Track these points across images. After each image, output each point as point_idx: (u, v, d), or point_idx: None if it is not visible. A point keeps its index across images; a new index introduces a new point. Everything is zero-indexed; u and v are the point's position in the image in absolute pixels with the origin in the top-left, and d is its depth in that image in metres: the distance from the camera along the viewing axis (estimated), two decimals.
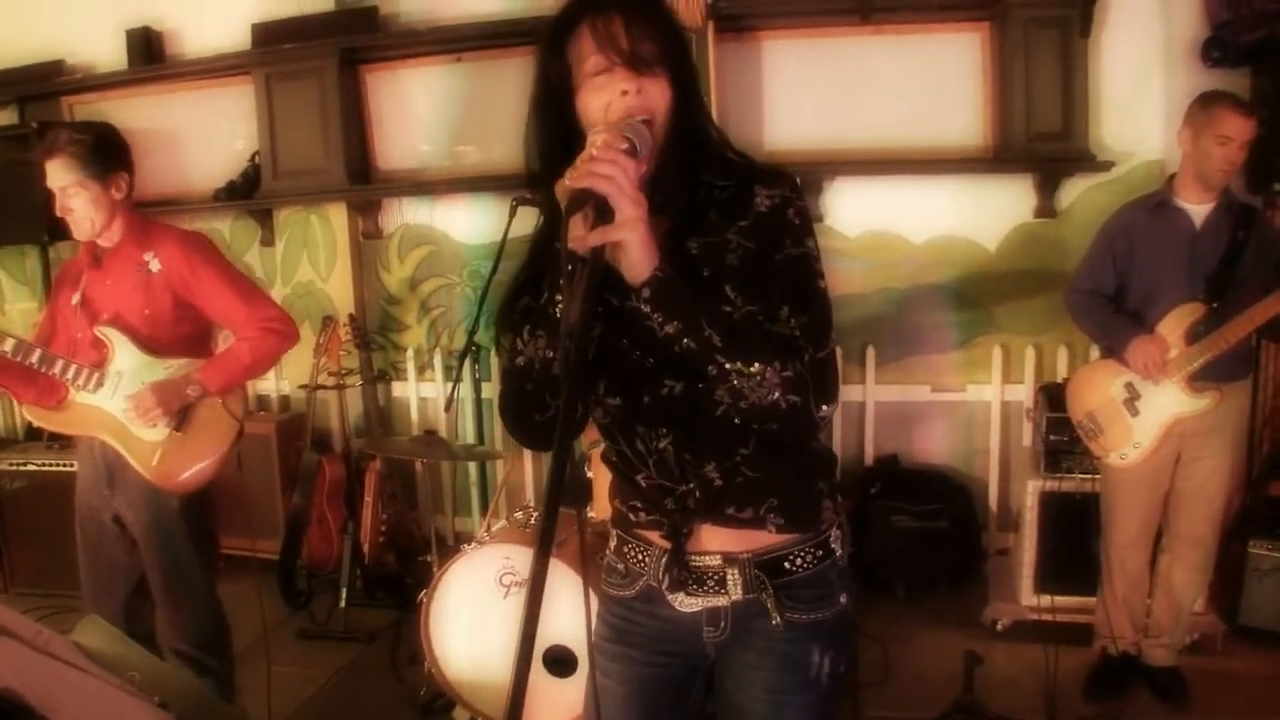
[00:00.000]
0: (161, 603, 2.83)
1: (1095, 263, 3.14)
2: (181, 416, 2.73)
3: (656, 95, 1.33)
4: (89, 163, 2.64)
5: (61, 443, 4.33)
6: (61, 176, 2.63)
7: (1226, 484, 3.11)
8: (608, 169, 1.18)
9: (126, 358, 2.70)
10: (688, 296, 1.26)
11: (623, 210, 1.19)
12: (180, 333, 2.77)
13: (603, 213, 1.19)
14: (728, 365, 1.26)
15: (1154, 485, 3.08)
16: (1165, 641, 3.17)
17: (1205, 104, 2.95)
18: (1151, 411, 3.01)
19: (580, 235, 1.19)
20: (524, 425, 1.42)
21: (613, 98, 1.31)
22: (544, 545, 1.07)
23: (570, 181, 1.19)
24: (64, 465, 4.18)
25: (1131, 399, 3.04)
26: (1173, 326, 2.95)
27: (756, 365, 1.26)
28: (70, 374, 2.69)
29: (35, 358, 2.67)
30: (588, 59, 1.32)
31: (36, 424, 2.90)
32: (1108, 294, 3.12)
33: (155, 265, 2.72)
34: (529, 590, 1.06)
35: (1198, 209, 2.97)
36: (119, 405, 2.69)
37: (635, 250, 1.22)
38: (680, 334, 1.26)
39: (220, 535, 3.00)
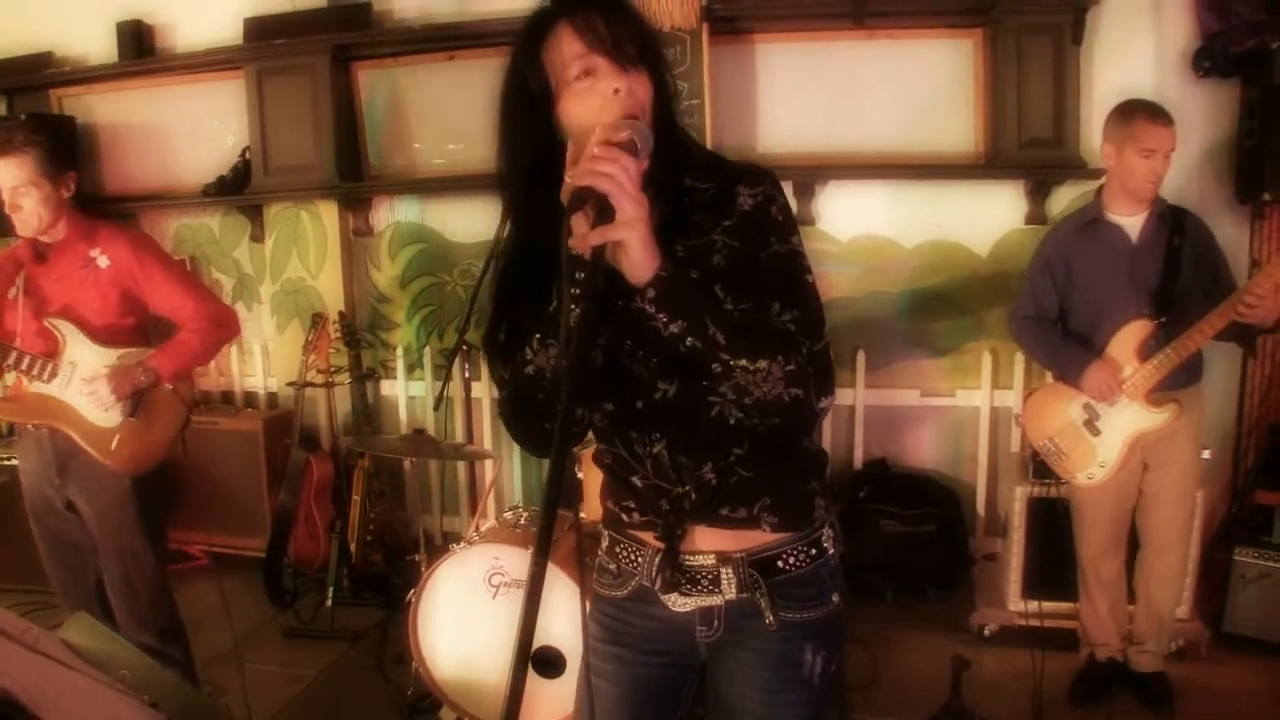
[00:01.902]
0: (118, 594, 2.87)
1: (1036, 286, 3.10)
2: (136, 403, 2.82)
3: (642, 94, 1.33)
4: (42, 162, 2.70)
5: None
6: (14, 175, 2.67)
7: (1193, 486, 3.11)
8: (609, 167, 1.17)
9: (78, 348, 2.78)
10: (691, 295, 1.26)
11: (624, 209, 1.18)
12: (126, 324, 2.87)
13: (603, 212, 1.18)
14: (732, 362, 1.26)
15: (1121, 497, 3.08)
16: (1149, 648, 3.18)
17: (1124, 116, 2.91)
18: (1112, 430, 3.00)
19: (582, 234, 1.18)
20: (532, 433, 1.42)
21: (603, 99, 1.30)
22: (541, 548, 1.06)
23: (571, 179, 1.19)
24: None
25: (1091, 420, 3.03)
26: (1124, 345, 2.94)
27: (762, 361, 1.26)
28: (25, 364, 2.74)
29: None
30: (571, 63, 1.30)
31: None
32: (1052, 317, 3.10)
33: (104, 261, 2.80)
34: (526, 593, 1.05)
35: (1131, 221, 2.95)
36: (74, 394, 2.76)
37: (637, 250, 1.21)
38: (685, 333, 1.26)
39: (168, 524, 3.07)
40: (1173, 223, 2.92)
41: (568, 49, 1.30)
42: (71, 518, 2.87)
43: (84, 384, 2.75)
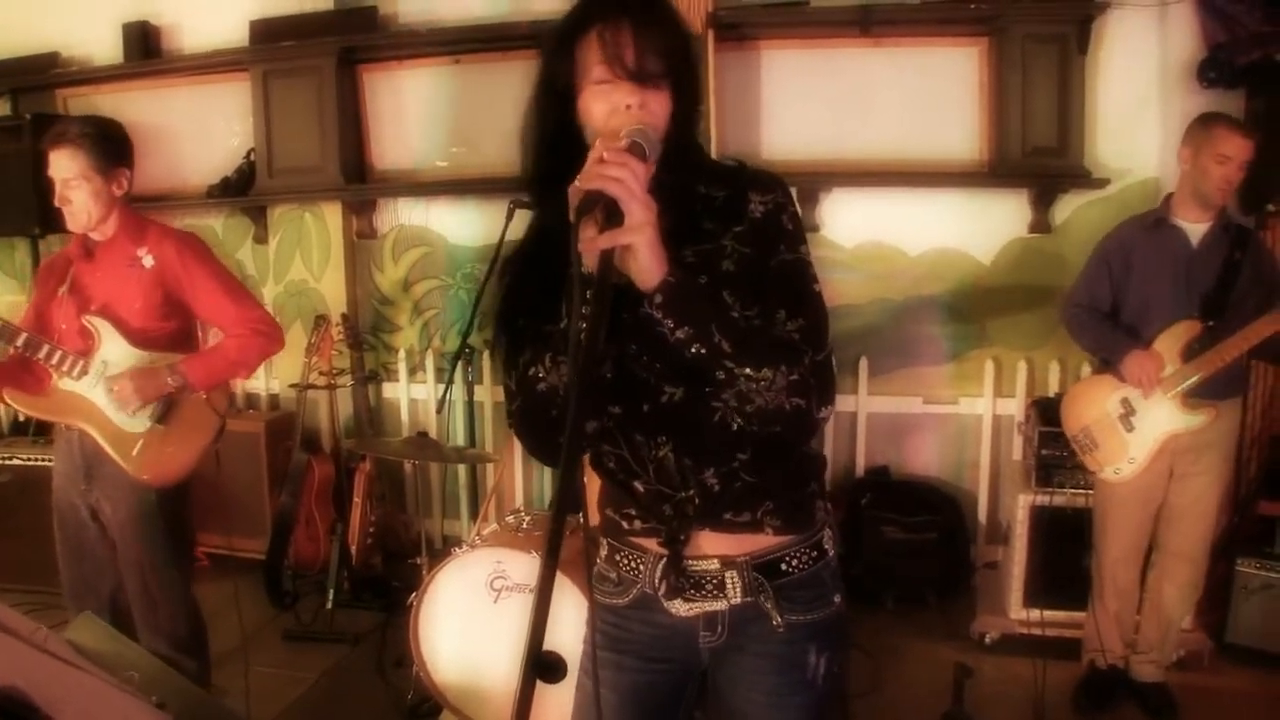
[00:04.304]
0: (137, 601, 2.82)
1: (1092, 279, 3.16)
2: (164, 410, 2.75)
3: (657, 109, 1.33)
4: (95, 156, 2.66)
5: (48, 437, 4.29)
6: (66, 167, 2.64)
7: (1218, 501, 3.13)
8: (618, 171, 1.17)
9: (113, 348, 2.72)
10: (699, 302, 1.27)
11: (633, 214, 1.18)
12: (168, 328, 2.80)
13: (611, 217, 1.18)
14: (737, 370, 1.27)
15: (1146, 501, 3.09)
16: (1154, 657, 3.18)
17: (1205, 123, 2.99)
18: (1147, 427, 3.02)
19: (590, 238, 1.18)
20: (545, 447, 1.42)
21: (615, 109, 1.31)
22: (550, 557, 1.07)
23: (580, 183, 1.19)
24: (50, 460, 4.13)
25: (1127, 414, 3.05)
26: (1169, 343, 2.97)
27: (766, 370, 1.27)
28: (55, 359, 2.70)
29: (21, 341, 2.67)
30: (594, 67, 1.32)
31: (13, 406, 2.90)
32: (1104, 309, 3.14)
33: (149, 261, 2.74)
34: (535, 600, 1.06)
35: (1195, 228, 2.99)
36: (102, 394, 2.71)
37: (645, 255, 1.22)
38: (691, 340, 1.26)
39: (196, 533, 3.02)
40: (1235, 236, 2.97)
41: (593, 54, 1.32)
42: (94, 528, 2.80)
43: (109, 381, 2.68)
